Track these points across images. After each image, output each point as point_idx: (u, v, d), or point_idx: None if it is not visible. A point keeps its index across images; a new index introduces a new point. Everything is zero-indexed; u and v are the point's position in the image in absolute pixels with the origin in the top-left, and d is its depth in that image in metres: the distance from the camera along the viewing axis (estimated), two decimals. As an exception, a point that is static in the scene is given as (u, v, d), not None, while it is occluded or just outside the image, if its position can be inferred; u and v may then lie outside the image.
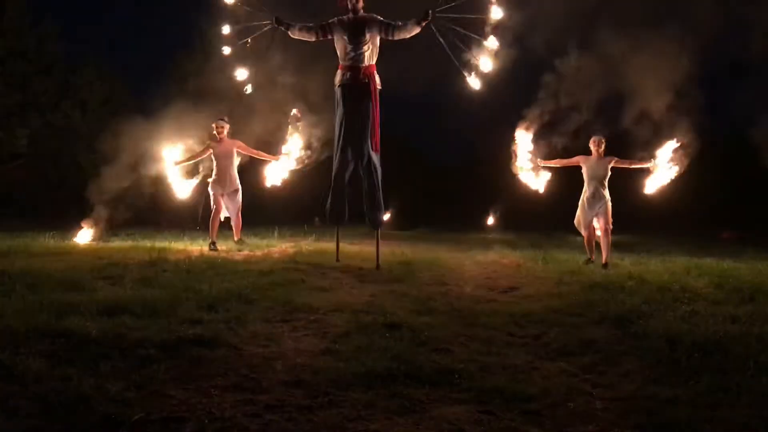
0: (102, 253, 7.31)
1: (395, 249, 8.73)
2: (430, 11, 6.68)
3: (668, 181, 8.18)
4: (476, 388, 3.01)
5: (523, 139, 8.66)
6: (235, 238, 9.10)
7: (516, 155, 8.63)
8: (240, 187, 8.96)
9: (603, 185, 7.85)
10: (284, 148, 9.01)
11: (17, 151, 15.40)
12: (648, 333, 3.96)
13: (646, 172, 8.29)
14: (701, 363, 3.39)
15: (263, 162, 9.19)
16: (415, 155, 27.97)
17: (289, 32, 7.27)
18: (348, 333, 3.92)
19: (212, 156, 8.79)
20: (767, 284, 5.78)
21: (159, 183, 9.85)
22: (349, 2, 6.96)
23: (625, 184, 9.02)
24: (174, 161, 9.12)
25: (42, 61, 16.01)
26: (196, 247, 8.64)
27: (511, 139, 8.70)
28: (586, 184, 7.96)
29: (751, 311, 4.65)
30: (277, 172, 9.16)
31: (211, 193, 8.87)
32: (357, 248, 8.87)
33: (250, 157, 9.23)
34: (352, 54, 6.97)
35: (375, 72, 7.12)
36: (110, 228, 10.53)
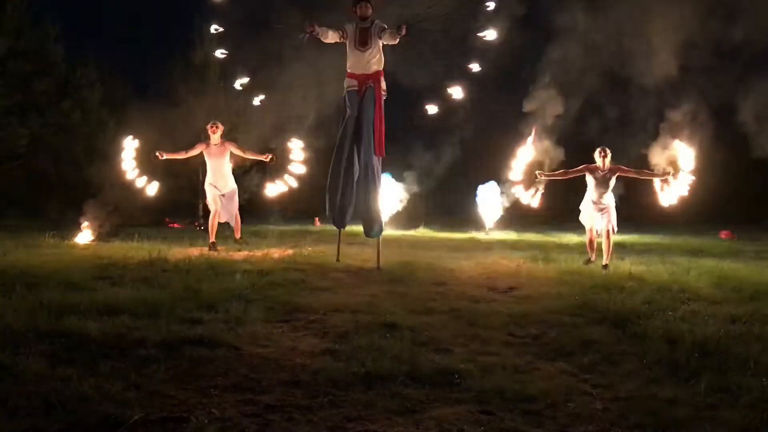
0: (102, 253, 7.31)
1: (395, 249, 8.73)
2: (403, 26, 6.78)
3: (686, 191, 8.23)
4: (476, 388, 3.00)
5: (523, 152, 8.72)
6: (236, 237, 9.11)
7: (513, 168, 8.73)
8: (236, 187, 8.97)
9: (608, 193, 7.88)
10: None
11: (17, 151, 15.39)
12: (648, 333, 3.96)
13: (661, 181, 8.33)
14: (701, 363, 3.38)
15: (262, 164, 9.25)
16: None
17: (321, 37, 7.19)
18: (348, 333, 3.92)
19: (205, 157, 8.76)
20: (767, 284, 5.78)
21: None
22: (358, 10, 7.06)
23: (626, 184, 9.05)
24: (160, 153, 8.75)
25: (42, 61, 16.00)
26: (195, 247, 8.64)
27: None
28: (589, 192, 7.96)
29: (751, 311, 4.65)
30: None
31: (208, 194, 8.86)
32: (357, 249, 8.87)
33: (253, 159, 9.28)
34: (360, 61, 7.11)
35: (382, 79, 7.19)
36: (110, 228, 10.53)
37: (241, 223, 9.22)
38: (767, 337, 3.91)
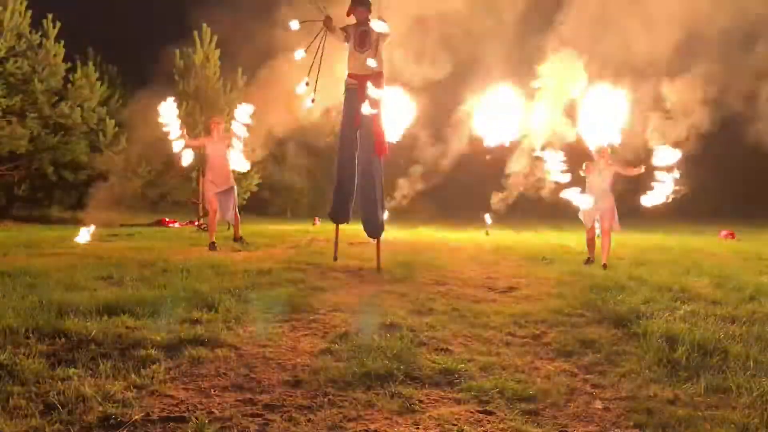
0: (102, 253, 7.31)
1: (395, 249, 8.73)
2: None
3: (668, 197, 8.10)
4: (476, 388, 3.01)
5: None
6: (236, 236, 9.11)
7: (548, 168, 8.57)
8: (234, 184, 8.96)
9: (607, 191, 7.86)
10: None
11: (17, 151, 15.37)
12: (648, 333, 3.96)
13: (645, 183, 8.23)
14: (701, 363, 3.39)
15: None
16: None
17: (331, 31, 7.22)
18: (348, 333, 3.92)
19: (206, 153, 8.76)
20: (767, 284, 5.78)
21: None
22: (355, 12, 7.10)
23: (625, 185, 9.02)
24: (183, 133, 8.65)
25: (42, 61, 16.00)
26: (195, 247, 8.65)
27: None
28: (588, 190, 7.95)
29: (751, 311, 4.65)
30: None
31: (206, 192, 8.86)
32: (357, 249, 8.87)
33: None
34: (359, 62, 7.15)
35: (381, 80, 7.21)
36: (110, 227, 10.54)
37: (240, 222, 9.23)
38: (767, 337, 3.91)
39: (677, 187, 8.02)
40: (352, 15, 7.16)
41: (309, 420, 2.61)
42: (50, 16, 16.18)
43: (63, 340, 3.47)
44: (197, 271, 5.97)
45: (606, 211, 7.79)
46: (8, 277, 5.13)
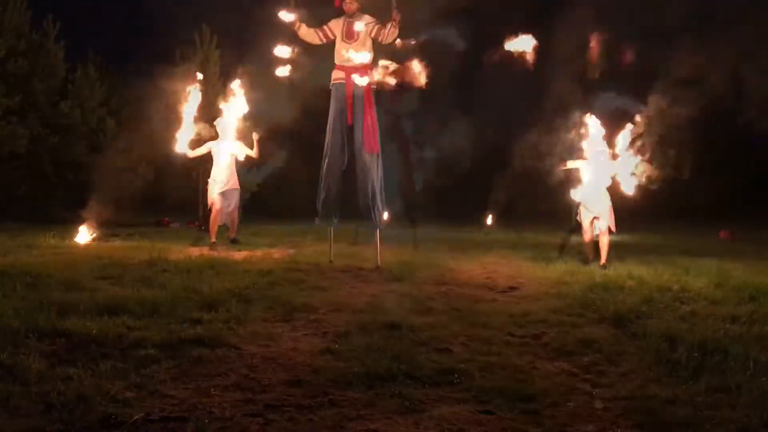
0: (102, 253, 7.31)
1: (395, 249, 8.73)
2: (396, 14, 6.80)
3: (635, 176, 7.82)
4: (476, 388, 3.01)
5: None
6: (231, 236, 9.13)
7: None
8: (238, 186, 9.02)
9: (604, 188, 7.81)
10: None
11: (17, 151, 15.37)
12: (648, 333, 3.96)
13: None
14: (701, 363, 3.39)
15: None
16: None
17: (296, 30, 7.19)
18: (348, 333, 3.92)
19: (213, 154, 8.85)
20: (767, 284, 5.78)
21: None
22: (344, 4, 7.08)
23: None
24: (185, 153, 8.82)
25: (42, 61, 16.01)
26: (196, 247, 8.65)
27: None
28: (586, 186, 7.90)
29: (751, 311, 4.65)
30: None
31: (210, 192, 8.89)
32: (357, 249, 8.88)
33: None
34: (346, 54, 7.08)
35: (370, 72, 7.13)
36: (110, 227, 10.54)
37: (240, 222, 9.26)
38: (767, 337, 3.91)
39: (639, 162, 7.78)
40: (340, 5, 7.11)
41: (309, 420, 2.61)
42: (50, 16, 16.20)
43: (63, 340, 3.47)
44: (197, 271, 5.98)
45: (603, 212, 7.75)
46: (8, 277, 5.13)
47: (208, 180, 8.95)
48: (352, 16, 7.12)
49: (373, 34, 7.10)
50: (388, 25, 6.93)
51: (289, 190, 23.91)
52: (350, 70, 7.08)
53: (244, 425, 2.53)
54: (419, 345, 3.71)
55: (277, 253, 8.01)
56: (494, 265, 7.61)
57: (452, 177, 23.68)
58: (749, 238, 13.51)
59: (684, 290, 5.49)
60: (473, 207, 17.58)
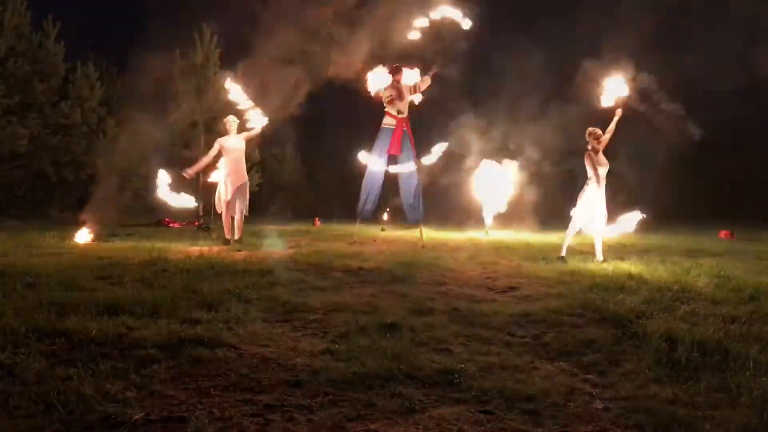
0: (102, 253, 7.31)
1: (395, 249, 8.73)
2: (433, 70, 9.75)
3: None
4: (476, 388, 3.01)
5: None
6: (236, 236, 9.16)
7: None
8: (248, 181, 9.25)
9: (604, 179, 7.71)
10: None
11: (17, 151, 15.38)
12: (648, 333, 3.96)
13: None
14: (701, 363, 3.38)
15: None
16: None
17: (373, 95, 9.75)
18: (348, 333, 3.92)
19: (223, 151, 9.01)
20: (767, 284, 5.77)
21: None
22: (397, 76, 9.56)
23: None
24: (186, 172, 9.12)
25: (42, 61, 16.01)
26: (195, 247, 8.65)
27: None
28: (591, 181, 7.72)
29: (751, 311, 4.64)
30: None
31: (219, 189, 9.10)
32: (357, 249, 8.88)
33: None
34: (398, 109, 9.53)
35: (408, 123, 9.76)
36: (109, 227, 10.56)
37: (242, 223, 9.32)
38: (767, 337, 3.91)
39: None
40: (394, 74, 9.55)
41: (309, 420, 2.61)
42: (50, 16, 16.21)
43: (63, 340, 3.46)
44: (197, 271, 5.97)
45: (599, 209, 7.72)
46: (8, 277, 5.13)
47: (220, 178, 9.11)
48: (399, 81, 9.56)
49: (413, 92, 9.65)
50: (426, 79, 9.65)
51: (289, 190, 23.98)
52: (400, 120, 9.56)
53: (244, 425, 2.53)
54: (419, 345, 3.71)
55: (276, 253, 8.01)
56: (494, 265, 7.60)
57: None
58: (749, 238, 13.52)
59: (684, 290, 5.48)
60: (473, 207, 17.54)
